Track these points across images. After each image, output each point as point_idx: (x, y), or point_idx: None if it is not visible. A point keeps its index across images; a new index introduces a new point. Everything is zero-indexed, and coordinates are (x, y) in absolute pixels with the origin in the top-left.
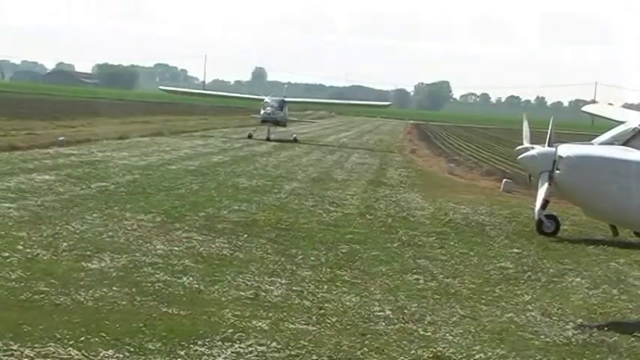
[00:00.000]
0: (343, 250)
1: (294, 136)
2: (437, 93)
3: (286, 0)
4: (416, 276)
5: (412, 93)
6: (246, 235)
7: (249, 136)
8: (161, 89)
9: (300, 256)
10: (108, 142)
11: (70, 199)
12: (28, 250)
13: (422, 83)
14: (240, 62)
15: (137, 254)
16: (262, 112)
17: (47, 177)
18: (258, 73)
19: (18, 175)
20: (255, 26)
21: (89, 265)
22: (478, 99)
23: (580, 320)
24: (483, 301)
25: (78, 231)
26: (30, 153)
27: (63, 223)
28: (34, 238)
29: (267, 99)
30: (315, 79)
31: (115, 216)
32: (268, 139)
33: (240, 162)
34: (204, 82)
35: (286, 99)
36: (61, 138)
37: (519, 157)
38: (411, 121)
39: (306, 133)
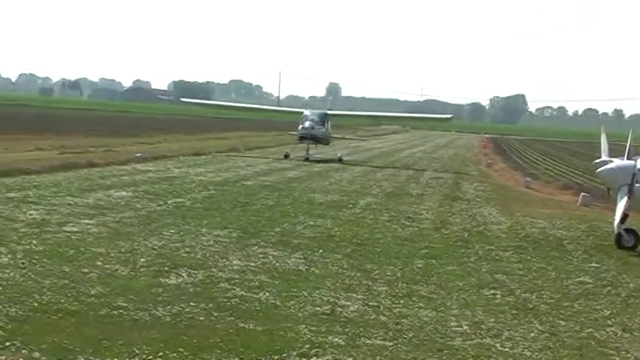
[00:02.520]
0: (419, 265)
1: (339, 155)
2: (512, 106)
3: (361, 15)
4: (493, 291)
5: (487, 106)
6: (321, 251)
7: (286, 156)
8: (182, 101)
9: (376, 272)
10: (184, 158)
11: (148, 215)
12: (107, 265)
13: (497, 97)
14: (315, 78)
15: (214, 270)
16: (300, 127)
17: (125, 193)
18: (333, 88)
19: (96, 191)
20: (329, 42)
21: (167, 280)
22: (555, 112)
23: None
24: (562, 316)
25: (155, 247)
26: (108, 169)
27: (141, 239)
28: (112, 254)
29: (306, 112)
30: (389, 94)
31: (191, 232)
32: (307, 160)
33: (315, 177)
34: (278, 97)
35: (329, 112)
36: (138, 154)
37: (598, 170)
38: (487, 135)
39: (379, 148)
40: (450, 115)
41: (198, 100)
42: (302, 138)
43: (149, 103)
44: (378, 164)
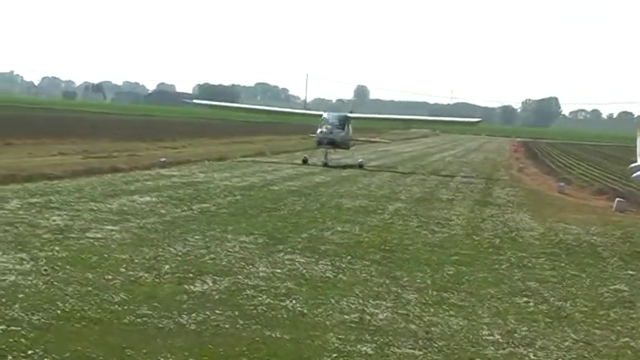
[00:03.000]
0: (450, 272)
1: (360, 160)
2: (545, 109)
3: (389, 17)
4: (526, 299)
5: (519, 109)
6: (349, 257)
7: (304, 161)
8: (195, 102)
9: (406, 279)
10: (209, 162)
11: (172, 220)
12: (130, 272)
13: (529, 99)
14: (342, 80)
15: (239, 276)
16: (318, 131)
17: (149, 198)
18: (361, 91)
19: (120, 196)
20: (357, 44)
21: (191, 287)
22: (588, 115)
23: None
24: (597, 325)
25: (180, 253)
26: (132, 174)
27: (165, 245)
28: (136, 261)
29: (325, 115)
30: (418, 97)
31: (216, 238)
32: (325, 165)
33: (342, 182)
34: (305, 100)
35: (350, 115)
36: (162, 159)
37: (633, 175)
38: (518, 139)
39: (409, 152)
40: (478, 119)
41: (211, 102)
42: (320, 142)
43: (173, 106)
44: (407, 168)
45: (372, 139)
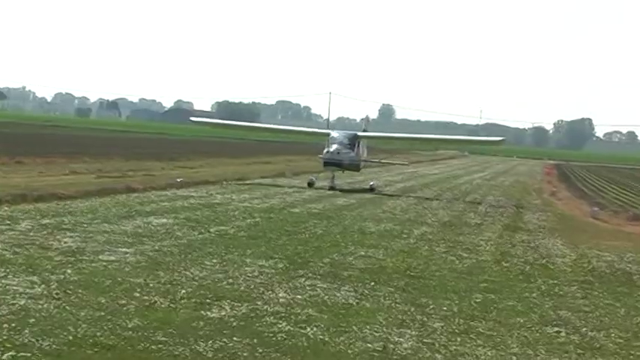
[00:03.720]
0: (477, 300)
1: (372, 184)
2: (578, 131)
3: (417, 35)
4: (557, 328)
5: (551, 131)
6: (373, 283)
7: (310, 184)
8: (192, 120)
9: (431, 306)
10: (228, 183)
11: (189, 243)
12: (145, 297)
13: (562, 120)
14: (367, 99)
15: (258, 302)
16: (325, 151)
17: (165, 220)
18: (386, 111)
19: (135, 218)
20: (383, 62)
21: (208, 313)
22: (624, 137)
23: None
24: (632, 357)
25: (197, 277)
26: (147, 195)
27: (181, 269)
28: (151, 285)
29: (333, 133)
30: (446, 117)
31: (235, 262)
32: (332, 189)
33: (366, 204)
34: (328, 119)
35: (360, 134)
36: (178, 179)
37: None
38: (550, 161)
39: (435, 174)
40: (500, 138)
41: (209, 120)
42: (326, 164)
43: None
44: (434, 191)
45: (387, 161)
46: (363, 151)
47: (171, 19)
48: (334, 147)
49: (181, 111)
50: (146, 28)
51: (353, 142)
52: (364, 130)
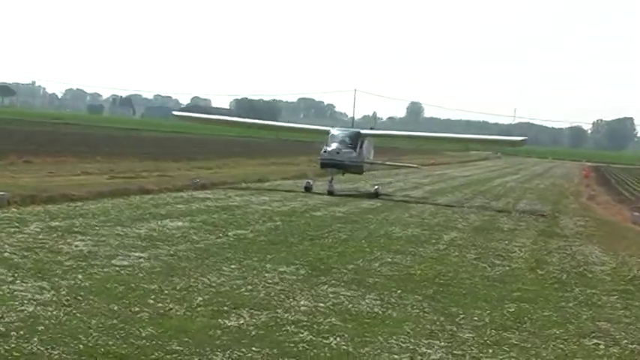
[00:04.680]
0: (510, 310)
1: (376, 187)
2: (618, 131)
3: (445, 30)
4: (595, 340)
5: (590, 131)
6: (400, 291)
7: (307, 189)
8: (174, 114)
9: (462, 316)
10: (247, 185)
11: (206, 248)
12: (159, 304)
13: (601, 120)
14: (394, 97)
15: (279, 311)
16: (323, 150)
17: (180, 223)
18: (414, 109)
19: (149, 221)
20: (410, 58)
21: (226, 322)
22: None
23: None
24: None
25: (214, 284)
26: (162, 197)
27: (198, 274)
28: (166, 292)
29: (333, 131)
30: (478, 116)
31: (254, 267)
32: (330, 193)
33: (393, 208)
34: (352, 118)
35: (363, 131)
36: (195, 180)
37: None
38: (589, 163)
39: (466, 176)
40: (521, 138)
41: (192, 114)
42: (324, 165)
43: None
44: (465, 194)
45: (393, 163)
46: (368, 152)
47: (188, 12)
48: (334, 146)
49: (198, 108)
50: (161, 21)
51: (355, 140)
52: (371, 128)
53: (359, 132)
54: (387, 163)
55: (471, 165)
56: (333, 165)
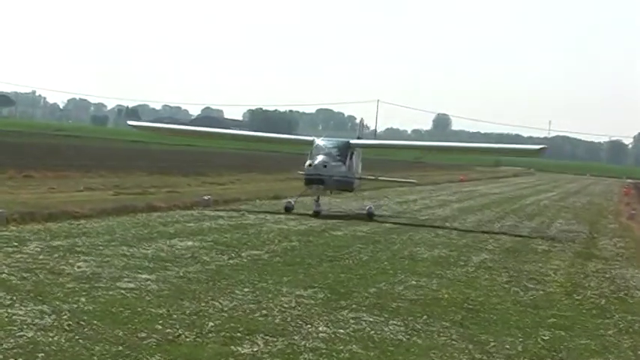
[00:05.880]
0: (545, 338)
1: (369, 207)
2: None
3: (474, 38)
4: None
5: (630, 145)
6: (425, 317)
7: (287, 209)
8: (130, 124)
9: (492, 344)
10: (261, 202)
11: (217, 269)
12: (168, 330)
13: None
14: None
15: (295, 337)
16: (307, 164)
17: (190, 243)
18: (441, 121)
19: (157, 240)
20: (437, 68)
21: (239, 349)
22: None
23: None
24: None
25: (226, 308)
26: (170, 214)
27: (209, 298)
28: (174, 316)
29: (318, 141)
30: (510, 129)
31: (269, 291)
32: (317, 214)
33: (418, 227)
34: (375, 130)
35: (353, 141)
36: (206, 197)
37: None
38: (629, 180)
39: (497, 194)
40: (540, 146)
41: (151, 124)
42: (309, 181)
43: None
44: (495, 212)
45: (386, 178)
46: (357, 165)
47: (199, 16)
48: (319, 158)
49: (210, 119)
50: (170, 27)
51: (344, 152)
52: (358, 138)
53: (349, 142)
54: (381, 178)
55: (502, 181)
56: (319, 181)
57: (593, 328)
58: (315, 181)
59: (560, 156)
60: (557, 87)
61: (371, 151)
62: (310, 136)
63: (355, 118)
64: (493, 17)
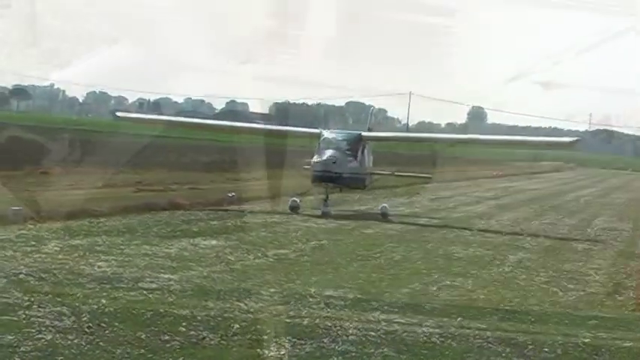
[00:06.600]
0: (586, 340)
1: (383, 206)
2: None
3: (509, 24)
4: None
5: None
6: (460, 319)
7: (293, 208)
8: (117, 115)
9: (530, 347)
10: (287, 199)
11: (243, 269)
12: (192, 332)
13: None
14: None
15: (325, 340)
16: (314, 159)
17: (214, 242)
18: (476, 114)
19: (180, 239)
20: (471, 56)
21: (266, 352)
22: None
23: None
24: None
25: (252, 309)
26: (194, 212)
27: (234, 299)
28: (199, 318)
29: (325, 134)
30: (548, 122)
31: (296, 292)
32: (325, 215)
33: (453, 225)
34: (407, 124)
35: (365, 134)
36: (231, 194)
37: None
38: None
39: (535, 190)
40: (573, 139)
41: (139, 115)
42: (317, 178)
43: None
44: (533, 209)
45: (401, 173)
46: (369, 160)
47: (223, 6)
48: (328, 153)
49: (235, 113)
50: (190, 16)
51: (356, 146)
52: (369, 130)
53: (360, 134)
54: (396, 174)
55: (540, 177)
56: (328, 178)
57: (637, 330)
58: (324, 178)
59: (601, 150)
60: (600, 74)
61: (398, 145)
62: (339, 129)
63: (386, 111)
64: (524, 5)
